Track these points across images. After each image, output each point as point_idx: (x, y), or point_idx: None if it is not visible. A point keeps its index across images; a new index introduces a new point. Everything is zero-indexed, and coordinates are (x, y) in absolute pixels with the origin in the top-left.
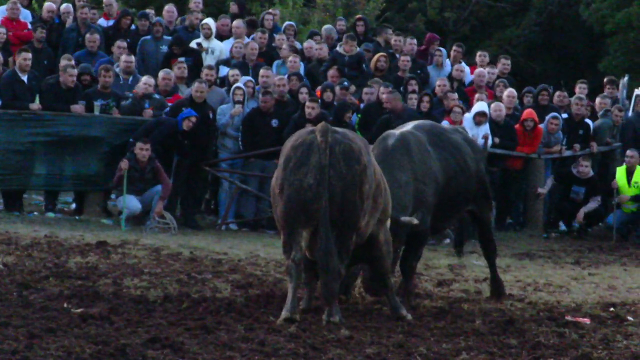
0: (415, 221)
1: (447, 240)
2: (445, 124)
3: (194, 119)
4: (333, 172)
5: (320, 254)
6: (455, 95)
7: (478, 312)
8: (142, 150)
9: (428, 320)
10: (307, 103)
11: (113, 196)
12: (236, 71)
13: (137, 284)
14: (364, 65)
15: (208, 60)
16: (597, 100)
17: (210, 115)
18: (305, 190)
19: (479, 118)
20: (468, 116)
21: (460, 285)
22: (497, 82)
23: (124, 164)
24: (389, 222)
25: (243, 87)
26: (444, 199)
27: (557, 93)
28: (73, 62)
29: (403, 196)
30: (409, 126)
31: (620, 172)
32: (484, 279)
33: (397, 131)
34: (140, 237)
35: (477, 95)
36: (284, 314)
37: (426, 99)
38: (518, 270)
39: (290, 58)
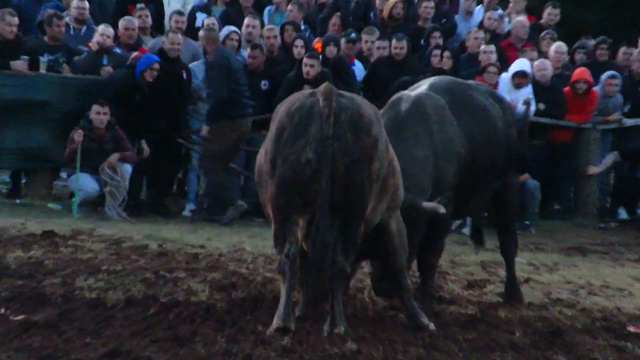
0: (442, 209)
1: (465, 229)
2: None
3: (157, 67)
4: (338, 145)
5: (313, 245)
6: (492, 49)
7: (518, 321)
8: (100, 114)
9: (455, 331)
10: (305, 60)
11: (63, 175)
12: (212, 20)
13: (93, 285)
14: (371, 14)
15: (173, 4)
16: None
17: (185, 75)
18: (303, 167)
19: (519, 79)
20: (505, 77)
21: (496, 288)
22: (542, 34)
23: (78, 135)
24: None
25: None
26: (468, 177)
27: (623, 49)
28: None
29: (421, 176)
30: (423, 86)
31: None
32: (525, 279)
33: (411, 93)
34: (96, 226)
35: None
36: (276, 322)
37: (446, 54)
38: (567, 269)
39: (289, 7)
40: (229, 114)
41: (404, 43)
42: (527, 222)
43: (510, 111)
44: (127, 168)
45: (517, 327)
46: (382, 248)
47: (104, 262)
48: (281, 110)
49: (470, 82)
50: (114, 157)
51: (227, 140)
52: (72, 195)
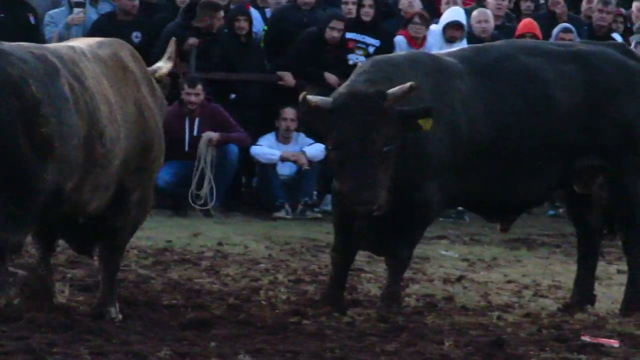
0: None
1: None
2: (400, 41)
3: None
4: None
5: None
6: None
7: (448, 329)
8: None
9: (372, 341)
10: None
11: None
12: None
13: None
14: None
15: None
16: (635, 5)
17: (32, 20)
18: None
19: (452, 32)
20: (435, 29)
21: (421, 288)
22: None
23: None
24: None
25: None
26: (495, 156)
27: None
28: None
29: None
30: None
31: None
32: (457, 278)
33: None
34: None
35: None
36: None
37: (368, 1)
38: (509, 265)
39: None
40: None
41: None
42: (460, 208)
43: (617, 77)
44: None
45: (447, 336)
46: (113, 219)
47: None
48: None
49: (545, 43)
50: None
51: None
52: None
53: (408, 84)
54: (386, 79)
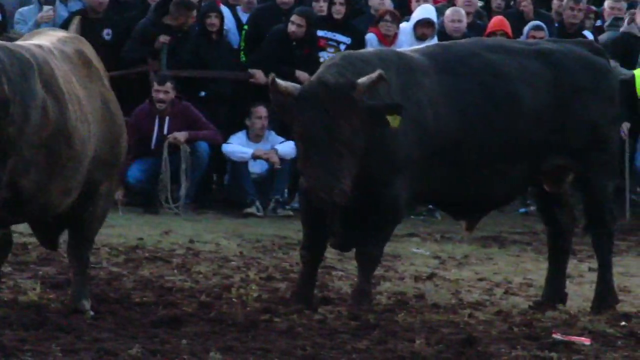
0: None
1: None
2: (371, 38)
3: None
4: None
5: None
6: None
7: (419, 327)
8: None
9: (343, 339)
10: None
11: None
12: None
13: None
14: None
15: None
16: (606, 3)
17: (0, 17)
18: None
19: (423, 29)
20: (406, 27)
21: (393, 286)
22: None
23: None
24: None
25: None
26: (460, 154)
27: None
28: None
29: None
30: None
31: None
32: (428, 275)
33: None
34: None
35: None
36: None
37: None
38: (481, 263)
39: None
40: None
41: None
42: (430, 206)
43: (582, 75)
44: None
45: (418, 334)
46: (82, 211)
47: None
48: None
49: (509, 41)
50: None
51: None
52: None
53: (377, 72)
54: (356, 74)
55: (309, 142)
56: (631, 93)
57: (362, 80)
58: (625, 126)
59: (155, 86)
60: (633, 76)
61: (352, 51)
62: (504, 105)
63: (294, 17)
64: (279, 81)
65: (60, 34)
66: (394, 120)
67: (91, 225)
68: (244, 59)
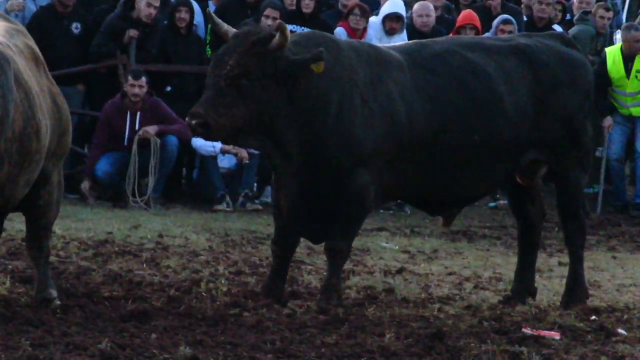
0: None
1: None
2: (340, 32)
3: None
4: None
5: None
6: None
7: (388, 322)
8: None
9: (312, 334)
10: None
11: None
12: None
13: None
14: None
15: None
16: None
17: None
18: None
19: (391, 24)
20: (375, 21)
21: (362, 280)
22: None
23: None
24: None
25: None
26: (436, 151)
27: None
28: None
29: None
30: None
31: (614, 55)
32: (397, 270)
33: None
34: None
35: None
36: None
37: None
38: (450, 257)
39: None
40: None
41: None
42: (399, 200)
43: (559, 69)
44: None
45: (387, 328)
46: (37, 200)
47: None
48: None
49: (485, 39)
50: None
51: None
52: None
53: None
54: (312, 47)
55: (208, 76)
56: (602, 76)
57: (281, 36)
58: (607, 121)
59: (131, 80)
60: (605, 54)
61: (326, 33)
62: (482, 104)
63: (268, 11)
64: (216, 18)
65: (2, 23)
66: (318, 67)
67: (48, 214)
68: (210, 52)
